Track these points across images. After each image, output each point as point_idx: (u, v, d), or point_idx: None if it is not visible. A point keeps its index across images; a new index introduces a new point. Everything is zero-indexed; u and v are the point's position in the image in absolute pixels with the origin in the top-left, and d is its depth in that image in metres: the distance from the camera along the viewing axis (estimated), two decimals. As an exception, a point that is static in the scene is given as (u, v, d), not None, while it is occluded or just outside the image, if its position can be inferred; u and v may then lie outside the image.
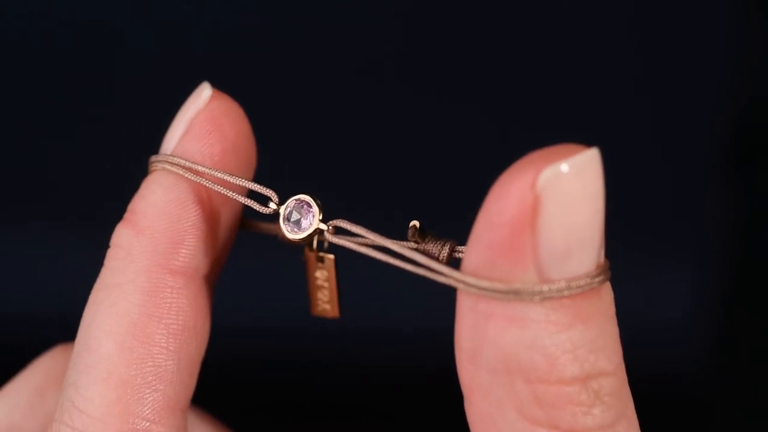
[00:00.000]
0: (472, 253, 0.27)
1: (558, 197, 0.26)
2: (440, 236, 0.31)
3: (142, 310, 0.31)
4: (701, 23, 0.75)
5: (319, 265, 0.35)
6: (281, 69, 0.75)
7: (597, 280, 0.27)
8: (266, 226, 0.35)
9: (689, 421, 0.75)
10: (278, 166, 0.74)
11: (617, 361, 0.27)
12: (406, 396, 0.75)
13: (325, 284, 0.35)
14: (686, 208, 0.77)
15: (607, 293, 0.28)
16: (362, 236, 0.31)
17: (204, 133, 0.33)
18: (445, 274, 0.28)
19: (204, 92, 0.33)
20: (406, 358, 0.75)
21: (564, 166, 0.26)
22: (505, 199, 0.26)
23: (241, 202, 0.33)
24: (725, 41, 0.75)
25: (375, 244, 0.30)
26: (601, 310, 0.27)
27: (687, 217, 0.77)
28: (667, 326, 0.75)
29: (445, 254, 0.31)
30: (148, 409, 0.30)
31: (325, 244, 0.35)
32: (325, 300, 0.36)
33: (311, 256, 0.35)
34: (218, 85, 0.34)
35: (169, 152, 0.33)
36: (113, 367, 0.30)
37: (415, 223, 0.31)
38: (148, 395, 0.30)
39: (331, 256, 0.35)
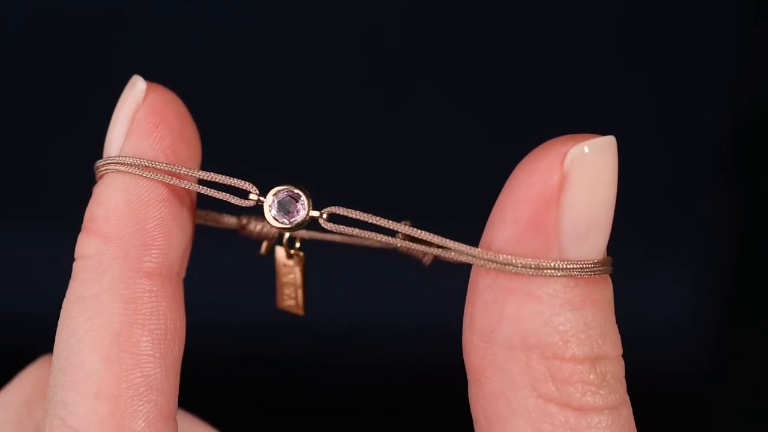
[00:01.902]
0: (495, 229, 0.28)
1: (583, 176, 0.27)
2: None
3: (124, 319, 0.30)
4: (701, 23, 0.75)
5: (289, 261, 0.35)
6: (281, 69, 0.75)
7: (604, 268, 0.28)
8: (226, 219, 0.34)
9: (689, 421, 0.75)
10: (277, 166, 0.74)
11: (619, 350, 0.28)
12: (394, 394, 0.75)
13: (292, 280, 0.35)
14: (686, 209, 0.77)
15: (610, 285, 0.29)
16: (360, 223, 0.30)
17: (151, 128, 0.31)
18: (466, 252, 0.28)
19: (138, 85, 0.32)
20: (394, 356, 0.75)
21: (587, 148, 0.27)
22: (534, 175, 0.27)
23: (194, 193, 0.32)
24: (725, 41, 0.75)
25: (374, 231, 0.30)
26: (607, 299, 0.28)
27: (687, 217, 0.77)
28: (666, 327, 0.75)
29: (431, 256, 0.31)
30: (142, 422, 0.30)
31: (297, 242, 0.34)
32: (291, 296, 0.35)
33: (280, 251, 0.35)
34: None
35: (114, 153, 0.32)
36: (102, 382, 0.29)
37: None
38: (140, 407, 0.30)
39: (301, 253, 0.35)
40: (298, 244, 0.35)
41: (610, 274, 0.28)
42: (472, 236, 0.29)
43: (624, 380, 0.28)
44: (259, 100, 0.74)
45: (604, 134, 0.28)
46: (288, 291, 0.35)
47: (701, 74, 0.76)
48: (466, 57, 0.76)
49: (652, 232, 0.76)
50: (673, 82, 0.76)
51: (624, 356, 0.29)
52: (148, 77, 0.32)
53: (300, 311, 0.36)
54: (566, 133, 0.28)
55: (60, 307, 0.31)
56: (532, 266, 0.27)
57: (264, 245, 0.35)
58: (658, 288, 0.76)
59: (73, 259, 0.31)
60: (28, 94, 0.76)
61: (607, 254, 0.28)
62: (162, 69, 0.73)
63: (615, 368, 0.28)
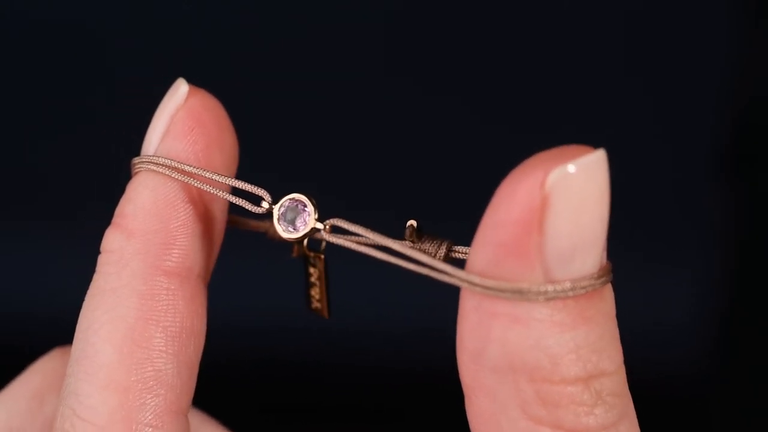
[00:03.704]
0: (477, 252, 0.27)
1: (566, 197, 0.26)
2: (436, 236, 0.31)
3: (139, 314, 0.30)
4: (701, 23, 0.75)
5: (311, 263, 0.35)
6: (281, 69, 0.75)
7: (600, 281, 0.27)
8: (255, 223, 0.35)
9: (690, 422, 0.75)
10: (277, 166, 0.74)
11: (618, 361, 0.28)
12: (402, 396, 0.75)
13: (317, 283, 0.35)
14: (686, 209, 0.77)
15: (608, 294, 0.28)
16: (360, 235, 0.30)
17: (186, 131, 0.32)
18: (450, 273, 0.28)
19: (181, 88, 0.33)
20: (402, 359, 0.75)
21: (572, 167, 0.26)
22: (514, 198, 0.26)
23: (228, 199, 0.33)
24: (725, 41, 0.75)
25: (374, 243, 0.30)
26: (603, 311, 0.27)
27: (687, 218, 0.77)
28: (667, 327, 0.75)
29: (442, 254, 0.31)
30: (150, 415, 0.30)
31: (323, 245, 0.35)
32: (317, 298, 0.36)
33: (305, 253, 0.35)
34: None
35: (151, 152, 0.32)
36: (113, 374, 0.30)
37: (413, 222, 0.31)
38: (149, 400, 0.30)
39: (321, 256, 0.35)
40: (323, 245, 0.35)
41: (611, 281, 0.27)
42: (473, 237, 0.29)
43: (625, 392, 0.28)
44: (260, 100, 0.74)
45: (595, 147, 0.26)
46: (313, 293, 0.36)
47: (701, 74, 0.76)
48: (466, 57, 0.76)
49: (652, 233, 0.76)
50: (673, 82, 0.76)
51: (624, 358, 0.28)
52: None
53: (325, 314, 0.36)
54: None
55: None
56: (515, 290, 0.26)
57: (295, 248, 0.35)
58: (659, 288, 0.76)
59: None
60: (28, 94, 0.76)
61: (607, 258, 0.27)
62: (162, 69, 0.73)
63: (613, 383, 0.27)
